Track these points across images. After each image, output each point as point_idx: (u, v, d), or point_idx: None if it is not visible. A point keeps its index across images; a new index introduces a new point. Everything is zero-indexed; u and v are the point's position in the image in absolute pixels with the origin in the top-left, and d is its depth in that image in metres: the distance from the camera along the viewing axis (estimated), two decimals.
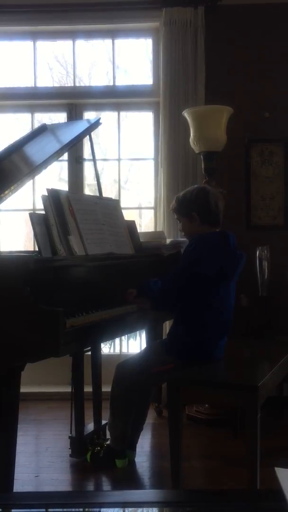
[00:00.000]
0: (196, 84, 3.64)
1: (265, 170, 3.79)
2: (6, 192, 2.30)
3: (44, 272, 2.09)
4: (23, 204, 3.95)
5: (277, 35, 3.75)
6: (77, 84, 4.03)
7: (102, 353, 2.99)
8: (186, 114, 3.32)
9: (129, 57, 4.02)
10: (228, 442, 2.98)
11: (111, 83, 4.00)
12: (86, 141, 3.47)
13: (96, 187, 3.05)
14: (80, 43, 4.00)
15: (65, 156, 3.79)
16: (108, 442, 2.69)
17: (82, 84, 4.05)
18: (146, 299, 2.44)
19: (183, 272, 2.41)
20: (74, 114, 3.97)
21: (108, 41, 3.99)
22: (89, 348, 2.77)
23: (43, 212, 2.36)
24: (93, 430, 2.81)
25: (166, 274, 2.49)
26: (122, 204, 3.20)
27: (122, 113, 4.02)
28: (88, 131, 2.94)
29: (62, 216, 2.40)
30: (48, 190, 2.40)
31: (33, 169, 2.51)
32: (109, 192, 3.98)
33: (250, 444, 2.10)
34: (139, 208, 4.16)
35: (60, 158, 3.03)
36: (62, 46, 4.03)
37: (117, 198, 3.72)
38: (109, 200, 2.97)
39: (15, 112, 4.07)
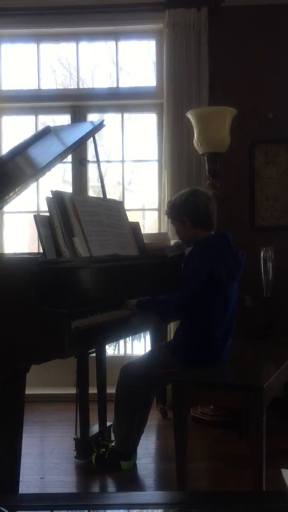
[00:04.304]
0: (199, 85, 3.64)
1: (269, 171, 3.79)
2: (11, 194, 2.30)
3: (49, 274, 2.09)
4: (28, 206, 3.96)
5: (281, 35, 3.74)
6: (81, 86, 4.04)
7: (106, 354, 2.99)
8: (189, 115, 3.32)
9: (133, 59, 4.02)
10: (233, 444, 2.97)
11: (115, 85, 4.00)
12: (90, 143, 3.48)
13: (100, 189, 3.05)
14: (84, 45, 4.01)
15: (69, 158, 3.78)
16: (113, 444, 2.68)
17: (85, 86, 4.06)
18: (150, 313, 2.44)
19: (192, 284, 2.37)
20: (78, 116, 3.98)
21: (111, 43, 4.00)
22: (94, 349, 2.77)
23: (47, 214, 2.36)
24: (98, 432, 2.81)
25: (175, 288, 2.45)
26: (126, 206, 3.20)
27: (126, 115, 4.02)
28: (92, 133, 2.95)
29: (66, 218, 2.40)
30: (52, 192, 2.40)
31: (37, 171, 2.52)
32: (112, 193, 3.98)
33: (256, 446, 2.10)
34: (143, 209, 4.16)
35: (64, 160, 3.03)
36: (66, 48, 4.04)
37: (121, 200, 3.72)
38: (113, 201, 2.97)
39: (19, 114, 4.08)
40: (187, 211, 2.52)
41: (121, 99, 3.95)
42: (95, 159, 3.08)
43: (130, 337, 3.86)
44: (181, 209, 2.53)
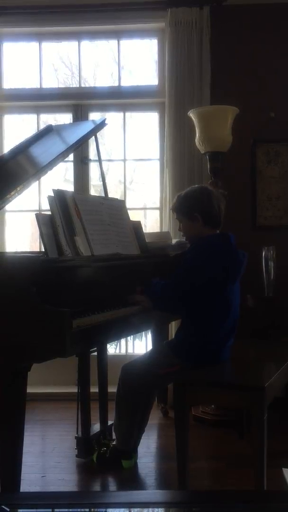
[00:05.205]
0: (201, 84, 3.64)
1: (271, 170, 3.78)
2: (12, 193, 2.31)
3: (51, 272, 2.09)
4: (29, 205, 3.96)
5: (283, 35, 3.74)
6: (83, 85, 4.04)
7: (108, 353, 2.99)
8: (191, 114, 3.32)
9: (134, 58, 4.02)
10: (234, 443, 2.97)
11: (116, 84, 4.00)
12: (91, 142, 3.48)
13: (102, 188, 3.05)
14: (85, 44, 4.01)
15: (71, 156, 3.79)
16: (114, 442, 2.69)
17: (87, 85, 4.06)
18: (149, 299, 2.45)
19: (185, 277, 2.38)
20: (80, 115, 3.98)
21: (113, 42, 4.00)
22: (95, 348, 2.78)
23: (49, 212, 2.36)
24: (99, 431, 2.81)
25: (170, 277, 2.47)
26: (127, 205, 3.20)
27: (128, 114, 4.02)
28: (94, 132, 2.95)
29: (68, 216, 2.40)
30: (54, 190, 2.40)
31: (39, 170, 2.52)
32: (114, 192, 3.98)
33: (257, 445, 2.10)
34: (144, 208, 4.16)
35: (66, 159, 3.03)
36: (68, 47, 4.04)
37: (123, 199, 3.72)
38: (114, 200, 2.97)
39: (20, 113, 4.08)
40: (201, 207, 2.48)
41: (123, 98, 3.95)
42: (96, 158, 3.08)
43: (132, 336, 3.86)
44: (194, 205, 2.48)
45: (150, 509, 0.97)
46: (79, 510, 0.98)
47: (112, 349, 3.97)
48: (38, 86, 4.00)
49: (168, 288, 2.41)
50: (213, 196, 2.51)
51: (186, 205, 2.52)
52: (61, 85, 4.08)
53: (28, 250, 4.05)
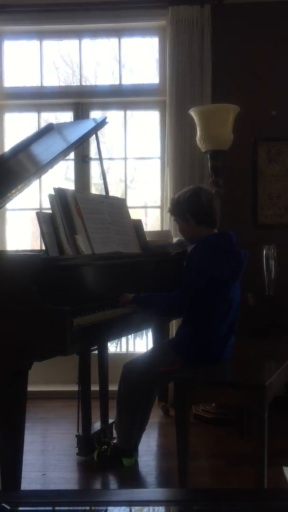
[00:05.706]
0: (202, 82, 3.63)
1: (272, 169, 3.78)
2: (13, 191, 2.31)
3: (51, 271, 2.09)
4: (30, 203, 3.96)
5: (283, 33, 3.73)
6: (83, 83, 4.03)
7: (108, 352, 3.00)
8: (192, 113, 3.32)
9: (135, 56, 4.02)
10: (235, 442, 2.97)
11: (117, 82, 4.00)
12: (92, 140, 3.48)
13: (103, 186, 3.05)
14: (86, 42, 4.00)
15: (72, 155, 3.79)
16: (115, 441, 2.69)
17: (88, 83, 4.05)
18: (146, 309, 2.45)
19: (193, 283, 2.37)
20: (81, 113, 3.97)
21: (114, 40, 3.99)
22: (96, 347, 2.78)
23: (50, 211, 2.36)
24: (100, 429, 2.81)
25: (177, 286, 2.46)
26: (128, 203, 3.20)
27: (128, 112, 4.02)
28: (95, 130, 2.95)
29: (68, 215, 2.40)
30: (54, 189, 2.40)
31: (40, 168, 2.52)
32: (115, 191, 3.98)
33: (258, 444, 2.10)
34: (145, 207, 4.15)
35: (67, 157, 3.03)
36: (68, 45, 4.04)
37: (123, 197, 3.72)
38: (115, 199, 2.97)
39: (21, 111, 4.08)
40: (191, 208, 2.51)
41: (123, 97, 3.94)
42: (97, 157, 3.08)
43: (132, 334, 3.87)
44: (184, 207, 2.52)
45: (150, 507, 0.97)
46: (79, 508, 0.98)
47: (112, 347, 3.97)
48: (39, 85, 4.00)
49: (184, 300, 2.39)
50: (202, 195, 2.52)
51: (178, 207, 2.56)
52: (62, 84, 4.08)
53: (28, 248, 4.05)
